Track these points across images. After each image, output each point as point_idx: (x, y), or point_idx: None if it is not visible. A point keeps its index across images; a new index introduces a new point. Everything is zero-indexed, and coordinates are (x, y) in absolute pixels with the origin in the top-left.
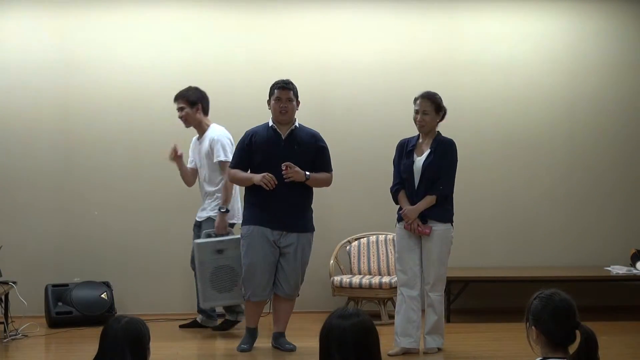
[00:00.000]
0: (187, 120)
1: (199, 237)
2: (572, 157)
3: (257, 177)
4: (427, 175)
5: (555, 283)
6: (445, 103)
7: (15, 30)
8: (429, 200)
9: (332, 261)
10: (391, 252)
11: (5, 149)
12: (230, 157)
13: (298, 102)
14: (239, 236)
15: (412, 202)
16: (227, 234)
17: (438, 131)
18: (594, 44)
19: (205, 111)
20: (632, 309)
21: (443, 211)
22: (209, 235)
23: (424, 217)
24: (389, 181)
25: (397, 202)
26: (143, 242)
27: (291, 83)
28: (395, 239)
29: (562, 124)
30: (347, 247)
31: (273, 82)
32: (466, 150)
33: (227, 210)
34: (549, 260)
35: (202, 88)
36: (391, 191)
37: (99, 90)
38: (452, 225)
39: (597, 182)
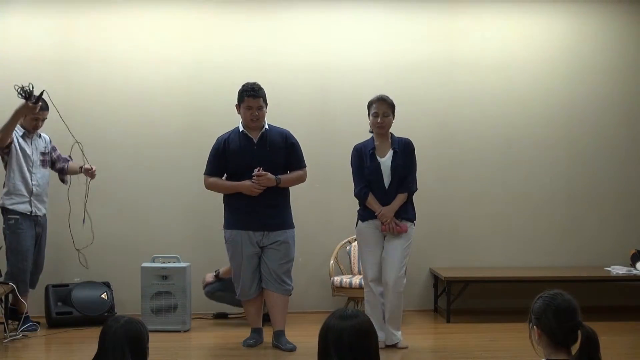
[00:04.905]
0: None
1: None
2: (572, 157)
3: (245, 187)
4: (398, 174)
5: (555, 283)
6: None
7: (16, 29)
8: (401, 199)
9: (332, 261)
10: None
11: None
12: None
13: (267, 105)
14: (185, 265)
15: (383, 202)
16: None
17: (391, 132)
18: (594, 45)
19: None
20: (632, 309)
21: (411, 209)
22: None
23: (397, 215)
24: None
25: (362, 204)
26: (143, 242)
27: (260, 89)
28: (359, 237)
29: (562, 124)
30: (347, 247)
31: (241, 88)
32: (465, 150)
33: None
34: (549, 260)
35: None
36: (358, 194)
37: (99, 90)
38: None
39: (597, 182)
